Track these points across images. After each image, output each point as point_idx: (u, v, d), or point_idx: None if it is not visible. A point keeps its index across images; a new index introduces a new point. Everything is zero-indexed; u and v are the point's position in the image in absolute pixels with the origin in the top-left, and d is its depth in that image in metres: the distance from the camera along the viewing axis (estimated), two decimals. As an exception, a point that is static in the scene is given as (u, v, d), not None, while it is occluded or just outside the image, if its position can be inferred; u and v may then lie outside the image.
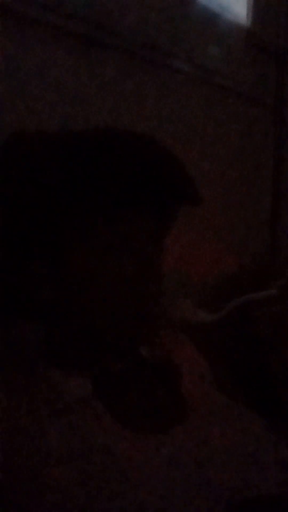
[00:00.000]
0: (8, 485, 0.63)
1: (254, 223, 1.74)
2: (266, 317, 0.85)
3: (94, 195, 0.70)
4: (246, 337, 0.86)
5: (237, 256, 1.53)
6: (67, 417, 0.68)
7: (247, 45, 1.74)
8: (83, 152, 0.71)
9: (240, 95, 1.72)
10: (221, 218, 1.54)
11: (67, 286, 0.73)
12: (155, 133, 0.77)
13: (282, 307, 0.86)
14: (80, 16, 1.20)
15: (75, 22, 1.19)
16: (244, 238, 1.66)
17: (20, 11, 1.10)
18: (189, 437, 0.70)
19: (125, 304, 0.71)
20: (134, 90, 1.35)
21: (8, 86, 1.06)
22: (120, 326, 0.72)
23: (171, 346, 0.87)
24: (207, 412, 0.75)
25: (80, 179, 0.70)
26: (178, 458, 0.67)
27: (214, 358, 0.85)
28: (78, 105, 1.18)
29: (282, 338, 0.84)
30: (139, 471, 0.64)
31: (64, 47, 1.19)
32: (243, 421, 0.76)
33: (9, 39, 1.08)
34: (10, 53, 1.08)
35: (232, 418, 0.76)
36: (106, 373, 0.75)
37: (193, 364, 0.86)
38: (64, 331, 0.76)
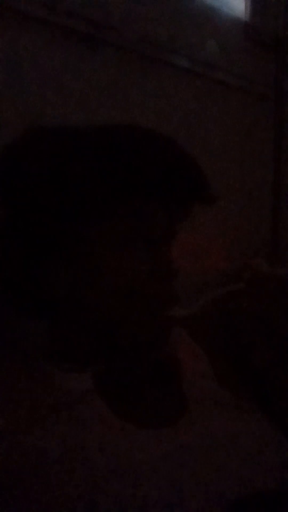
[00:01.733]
0: (8, 483, 0.63)
1: (255, 220, 1.74)
2: (238, 310, 0.85)
3: (110, 191, 0.70)
4: (224, 330, 0.86)
5: (238, 254, 1.53)
6: (68, 413, 0.68)
7: (246, 39, 1.73)
8: (102, 147, 0.71)
9: (239, 89, 1.71)
10: (221, 216, 1.54)
11: (73, 283, 0.72)
12: (155, 128, 0.77)
13: (250, 300, 0.85)
14: (78, 13, 1.20)
15: (74, 20, 1.19)
16: (245, 236, 1.66)
17: (18, 9, 1.09)
18: (190, 433, 0.70)
19: (131, 302, 0.71)
20: (132, 86, 1.34)
21: (8, 85, 1.06)
22: (126, 323, 0.72)
23: (171, 342, 0.87)
24: (208, 408, 0.75)
25: (98, 174, 0.69)
26: (179, 454, 0.67)
27: (214, 354, 0.85)
28: (77, 102, 1.18)
29: (257, 331, 0.83)
30: (140, 467, 0.64)
31: (63, 45, 1.19)
32: (245, 416, 0.76)
33: (8, 38, 1.08)
34: (10, 52, 1.08)
35: (233, 414, 0.76)
36: (108, 369, 0.75)
37: (193, 360, 0.86)
38: (66, 327, 0.76)
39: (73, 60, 1.21)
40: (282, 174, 1.76)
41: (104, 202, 0.70)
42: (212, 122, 1.61)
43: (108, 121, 0.75)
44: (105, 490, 0.61)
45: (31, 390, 0.70)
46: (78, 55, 1.22)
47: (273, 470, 0.69)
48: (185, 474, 0.65)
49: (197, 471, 0.65)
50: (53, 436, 0.65)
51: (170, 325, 0.75)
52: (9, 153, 0.73)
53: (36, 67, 1.12)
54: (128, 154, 0.71)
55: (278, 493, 0.66)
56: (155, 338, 0.75)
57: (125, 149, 0.71)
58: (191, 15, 1.54)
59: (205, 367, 0.85)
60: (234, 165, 1.69)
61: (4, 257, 0.73)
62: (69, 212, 0.70)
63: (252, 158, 1.76)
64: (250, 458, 0.69)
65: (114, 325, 0.72)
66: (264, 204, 1.76)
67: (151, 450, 0.66)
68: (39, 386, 0.71)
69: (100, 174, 0.69)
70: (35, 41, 1.13)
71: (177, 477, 0.64)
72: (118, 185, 0.70)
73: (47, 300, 0.74)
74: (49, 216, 0.70)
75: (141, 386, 0.76)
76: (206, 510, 0.62)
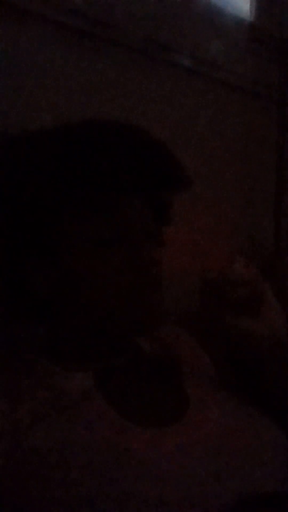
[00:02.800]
0: (10, 484, 0.63)
1: (256, 220, 1.73)
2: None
3: (82, 190, 0.70)
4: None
5: (240, 251, 1.52)
6: (69, 412, 0.68)
7: (250, 39, 1.73)
8: (68, 146, 0.71)
9: (242, 90, 1.71)
10: (222, 216, 1.54)
11: (65, 282, 0.73)
12: (155, 128, 0.77)
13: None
14: (80, 11, 1.20)
15: (77, 18, 1.19)
16: (246, 236, 1.66)
17: (18, 6, 1.09)
18: (191, 432, 0.70)
19: (123, 298, 0.71)
20: (135, 85, 1.34)
21: (6, 83, 1.06)
22: (120, 319, 0.72)
23: (172, 341, 0.87)
24: (209, 408, 0.75)
25: (68, 174, 0.70)
26: (180, 453, 0.66)
27: (215, 353, 0.85)
28: (78, 101, 1.18)
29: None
30: (141, 465, 0.64)
31: (65, 43, 1.18)
32: (245, 417, 0.76)
33: (7, 35, 1.07)
34: (8, 49, 1.07)
35: (234, 414, 0.76)
36: (108, 368, 0.75)
37: (194, 358, 0.86)
38: (64, 327, 0.76)
39: (75, 58, 1.21)
40: (284, 174, 1.76)
41: (77, 201, 0.71)
42: (214, 122, 1.61)
43: (104, 119, 0.75)
44: (106, 490, 0.61)
45: (31, 390, 0.70)
46: (80, 53, 1.22)
47: (273, 471, 0.69)
48: (185, 474, 0.64)
49: (198, 471, 0.65)
50: (54, 436, 0.65)
51: (156, 317, 0.75)
52: None
53: (37, 65, 1.12)
54: (91, 150, 0.71)
55: (278, 493, 0.66)
56: (141, 330, 0.74)
57: (87, 145, 0.71)
58: (195, 15, 1.54)
59: (206, 367, 0.85)
60: (236, 164, 1.69)
61: None
62: (45, 214, 0.70)
63: (254, 158, 1.75)
64: (251, 458, 0.69)
65: (101, 321, 0.72)
66: (266, 204, 1.76)
67: (152, 449, 0.66)
68: (39, 386, 0.71)
69: (70, 174, 0.70)
70: (36, 39, 1.13)
71: (177, 477, 0.64)
72: (88, 183, 0.70)
73: (34, 300, 0.75)
74: (25, 219, 0.71)
75: (143, 385, 0.76)
76: (206, 511, 0.62)
